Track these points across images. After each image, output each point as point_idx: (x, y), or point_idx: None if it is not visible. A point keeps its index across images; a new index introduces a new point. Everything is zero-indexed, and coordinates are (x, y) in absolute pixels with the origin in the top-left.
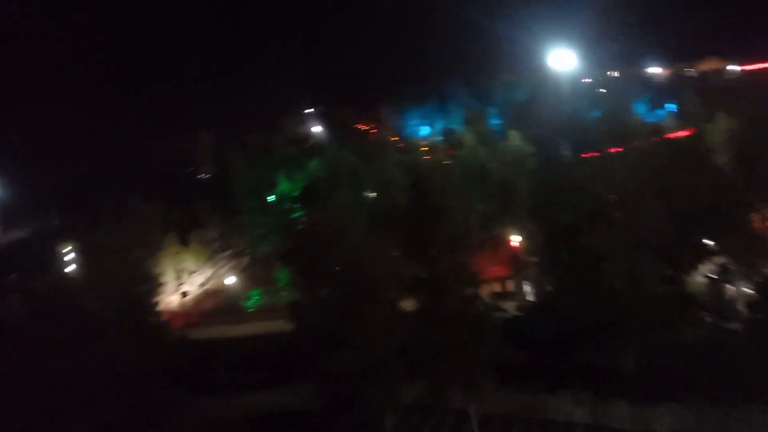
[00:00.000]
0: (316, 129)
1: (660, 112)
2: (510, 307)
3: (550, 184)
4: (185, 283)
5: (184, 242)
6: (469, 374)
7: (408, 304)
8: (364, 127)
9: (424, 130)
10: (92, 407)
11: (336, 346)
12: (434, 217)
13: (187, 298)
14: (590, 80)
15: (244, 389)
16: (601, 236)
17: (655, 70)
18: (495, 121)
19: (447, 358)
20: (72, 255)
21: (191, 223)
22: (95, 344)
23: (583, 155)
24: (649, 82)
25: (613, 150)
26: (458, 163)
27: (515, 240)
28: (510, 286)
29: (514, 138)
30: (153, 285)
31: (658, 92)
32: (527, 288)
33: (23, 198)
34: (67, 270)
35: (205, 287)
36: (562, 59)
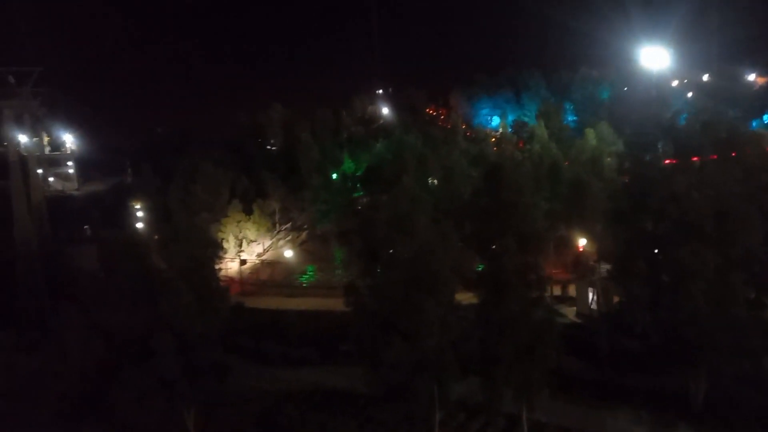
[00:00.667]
0: (385, 110)
1: (754, 122)
2: (569, 312)
3: (640, 189)
4: (244, 251)
5: (248, 211)
6: (527, 380)
7: (463, 297)
8: (433, 112)
9: (495, 121)
10: (150, 361)
11: (390, 335)
12: (507, 212)
13: (245, 266)
14: (682, 81)
15: (292, 363)
16: (690, 251)
17: (751, 76)
18: (571, 117)
19: (505, 361)
20: (143, 212)
21: (256, 193)
22: (158, 301)
23: (673, 160)
24: (745, 88)
25: (712, 157)
26: (529, 158)
27: (581, 243)
28: (571, 290)
29: (591, 136)
30: (216, 250)
31: (753, 101)
32: (591, 295)
33: (102, 153)
34: (137, 226)
35: (263, 257)
36: (655, 57)
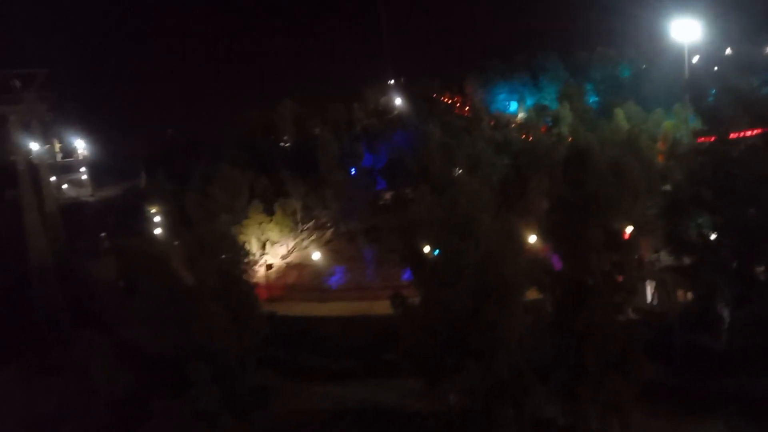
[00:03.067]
0: (398, 101)
1: None
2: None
3: (724, 171)
4: (268, 253)
5: (268, 211)
6: (617, 396)
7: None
8: (448, 101)
9: (513, 106)
10: (187, 392)
11: (458, 354)
12: (595, 203)
13: (271, 270)
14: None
15: (334, 378)
16: None
17: None
18: (592, 98)
19: (591, 376)
20: (160, 217)
21: (275, 192)
22: (190, 322)
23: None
24: None
25: None
26: (557, 142)
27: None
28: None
29: (620, 116)
30: (244, 256)
31: None
32: (648, 289)
33: (113, 157)
34: (155, 232)
35: (287, 259)
36: (686, 30)
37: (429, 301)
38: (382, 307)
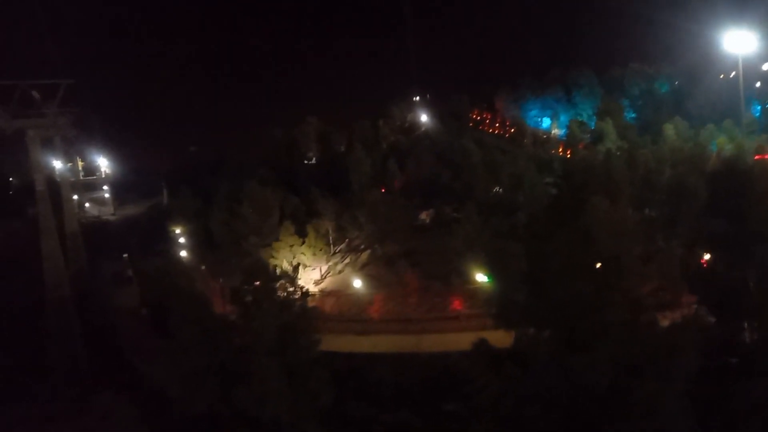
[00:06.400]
0: (424, 117)
1: None
2: None
3: None
4: (300, 279)
5: (300, 233)
6: None
7: None
8: (477, 117)
9: (545, 122)
10: None
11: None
12: (759, 244)
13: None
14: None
15: None
16: None
17: None
18: (630, 114)
19: None
20: (184, 237)
21: (308, 213)
22: (236, 381)
23: None
24: None
25: None
26: (606, 159)
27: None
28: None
29: (670, 132)
30: (303, 297)
31: None
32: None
33: (135, 175)
34: (180, 253)
35: (321, 285)
36: (740, 41)
37: (552, 363)
38: (431, 341)
